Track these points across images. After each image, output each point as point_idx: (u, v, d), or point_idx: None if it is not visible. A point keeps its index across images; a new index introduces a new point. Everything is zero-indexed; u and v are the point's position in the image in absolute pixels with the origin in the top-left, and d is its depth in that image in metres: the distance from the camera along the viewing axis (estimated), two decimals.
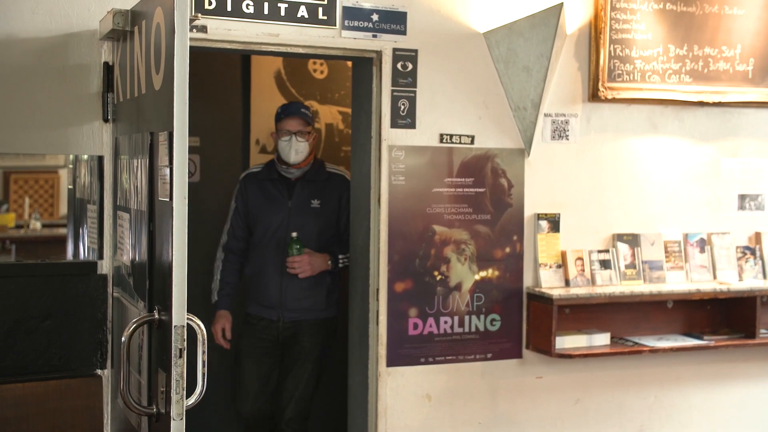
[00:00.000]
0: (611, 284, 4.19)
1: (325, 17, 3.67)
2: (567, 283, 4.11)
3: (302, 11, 3.63)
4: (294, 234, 4.28)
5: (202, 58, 4.08)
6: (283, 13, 3.60)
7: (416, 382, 3.93)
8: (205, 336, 2.54)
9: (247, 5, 3.54)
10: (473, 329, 4.00)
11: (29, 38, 3.33)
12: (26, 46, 3.33)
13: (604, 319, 4.21)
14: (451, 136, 3.94)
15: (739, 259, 4.46)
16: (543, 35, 3.75)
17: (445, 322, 3.96)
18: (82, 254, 3.61)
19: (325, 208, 4.37)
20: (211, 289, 4.47)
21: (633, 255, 4.27)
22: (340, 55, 3.80)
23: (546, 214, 4.11)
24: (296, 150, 4.33)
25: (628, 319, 4.28)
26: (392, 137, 3.83)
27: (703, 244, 4.41)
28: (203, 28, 3.48)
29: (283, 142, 4.33)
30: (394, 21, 3.80)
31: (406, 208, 3.86)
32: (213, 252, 4.50)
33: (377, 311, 3.86)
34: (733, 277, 4.41)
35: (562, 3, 3.76)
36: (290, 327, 4.36)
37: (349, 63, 4.43)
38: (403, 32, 3.82)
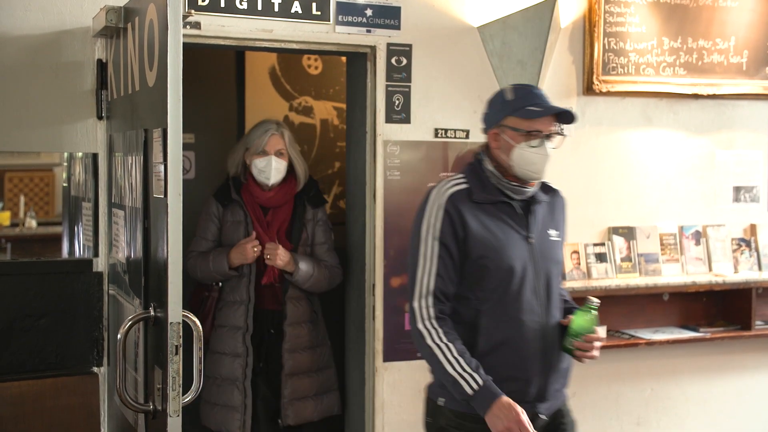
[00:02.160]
0: (607, 277, 4.19)
1: (319, 12, 3.66)
2: (563, 276, 4.10)
3: (296, 7, 3.62)
4: None
5: (196, 54, 4.08)
6: (276, 9, 3.59)
7: (413, 377, 3.93)
8: (201, 332, 2.54)
9: (241, 1, 3.54)
10: None
11: (22, 35, 3.32)
12: (19, 44, 3.32)
13: (600, 312, 4.18)
14: (446, 130, 3.94)
15: (734, 251, 4.47)
16: (537, 29, 3.74)
17: None
18: (78, 252, 3.60)
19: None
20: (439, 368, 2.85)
21: (629, 248, 4.27)
22: (334, 50, 3.80)
23: None
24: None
25: (624, 312, 4.29)
26: (387, 132, 3.83)
27: (698, 236, 4.42)
28: (197, 25, 3.47)
29: None
30: (388, 16, 3.80)
31: (401, 203, 3.86)
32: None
33: (373, 307, 3.86)
34: (728, 269, 4.42)
35: None
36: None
37: (344, 58, 4.43)
38: (397, 27, 3.82)
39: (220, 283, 3.79)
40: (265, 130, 3.76)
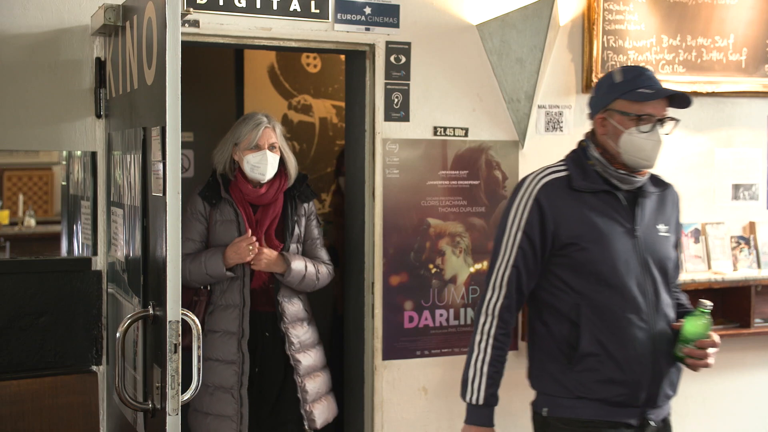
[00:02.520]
0: None
1: (318, 11, 3.66)
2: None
3: (295, 5, 3.62)
4: None
5: (195, 52, 4.07)
6: (275, 7, 3.59)
7: (412, 375, 3.93)
8: (200, 331, 2.54)
9: None
10: (469, 322, 4.00)
11: (20, 34, 3.32)
12: (17, 42, 3.31)
13: None
14: (445, 128, 3.93)
15: (733, 248, 4.47)
16: (536, 27, 3.74)
17: (441, 315, 3.96)
18: (77, 251, 3.60)
19: None
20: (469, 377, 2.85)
21: None
22: (333, 48, 3.79)
23: None
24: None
25: None
26: (386, 130, 3.83)
27: (697, 234, 4.42)
28: (195, 23, 3.47)
29: None
30: (387, 14, 3.79)
31: (400, 202, 3.86)
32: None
33: (372, 305, 3.86)
34: (727, 267, 4.42)
35: None
36: None
37: (343, 56, 4.43)
38: (396, 25, 3.82)
39: (209, 287, 3.59)
40: (256, 124, 3.55)
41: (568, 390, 2.67)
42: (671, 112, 2.72)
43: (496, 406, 2.71)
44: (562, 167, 2.76)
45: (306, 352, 3.65)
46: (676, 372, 2.74)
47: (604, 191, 2.68)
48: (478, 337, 2.72)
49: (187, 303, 3.54)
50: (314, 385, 3.64)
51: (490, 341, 2.69)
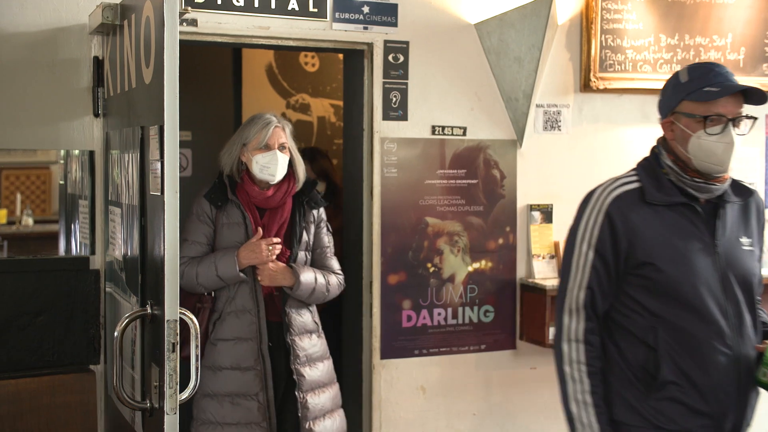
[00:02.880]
0: None
1: (316, 10, 3.66)
2: (559, 273, 4.11)
3: (293, 4, 3.62)
4: None
5: (193, 51, 4.07)
6: (273, 6, 3.59)
7: (410, 374, 3.93)
8: (198, 330, 2.54)
9: None
10: (467, 321, 4.00)
11: (18, 33, 3.31)
12: (15, 41, 3.31)
13: None
14: (443, 127, 3.93)
15: None
16: (534, 26, 3.74)
17: (439, 314, 3.96)
18: (75, 250, 3.60)
19: None
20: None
21: None
22: (331, 47, 3.79)
23: (539, 205, 4.11)
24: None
25: None
26: (384, 129, 3.83)
27: None
28: (193, 22, 3.47)
29: None
30: (385, 13, 3.79)
31: (398, 201, 3.86)
32: None
33: (371, 304, 3.86)
34: None
35: None
36: None
37: (341, 55, 4.43)
38: (394, 24, 3.81)
39: (213, 293, 3.39)
40: (266, 123, 3.39)
41: (645, 420, 2.42)
42: (748, 109, 2.50)
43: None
44: (634, 178, 2.52)
45: (312, 366, 3.45)
46: (756, 397, 2.49)
47: (681, 203, 2.43)
48: (567, 369, 2.44)
49: (190, 309, 3.31)
50: (318, 401, 3.44)
51: (584, 368, 2.43)
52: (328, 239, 3.56)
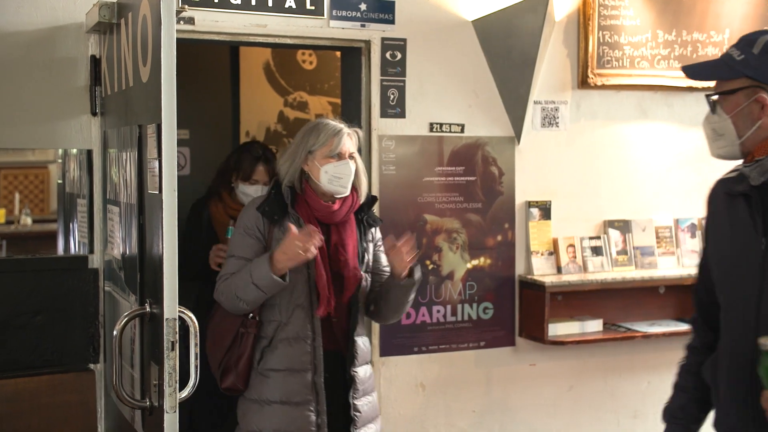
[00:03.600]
0: (603, 271, 4.19)
1: (313, 7, 3.66)
2: (559, 270, 4.12)
3: (289, 1, 3.62)
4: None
5: (190, 49, 4.07)
6: (270, 4, 3.58)
7: (410, 371, 3.93)
8: (197, 328, 2.54)
9: None
10: (466, 318, 4.01)
11: (15, 32, 3.31)
12: (12, 40, 3.30)
13: (596, 305, 4.22)
14: (441, 125, 3.93)
15: None
16: (531, 22, 3.74)
17: (438, 311, 3.96)
18: (73, 249, 3.60)
19: None
20: None
21: (624, 241, 4.27)
22: (328, 45, 3.79)
23: (537, 202, 4.11)
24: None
25: (620, 305, 4.29)
26: (382, 127, 3.82)
27: (694, 229, 4.42)
28: (190, 20, 3.46)
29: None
30: (382, 10, 3.79)
31: (397, 198, 3.85)
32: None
33: None
34: None
35: None
36: None
37: (338, 53, 4.42)
38: (392, 21, 3.81)
39: (257, 317, 3.03)
40: (337, 130, 3.07)
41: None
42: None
43: (682, 421, 2.45)
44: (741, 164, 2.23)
45: (366, 398, 3.15)
46: None
47: (740, 193, 2.19)
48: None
49: (232, 334, 3.04)
50: None
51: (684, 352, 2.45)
52: (384, 260, 3.23)
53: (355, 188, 3.12)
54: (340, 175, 3.04)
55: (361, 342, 3.13)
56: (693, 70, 2.38)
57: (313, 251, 2.91)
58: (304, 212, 3.07)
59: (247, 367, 3.02)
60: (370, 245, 3.20)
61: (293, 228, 2.92)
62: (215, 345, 3.07)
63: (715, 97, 2.30)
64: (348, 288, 3.07)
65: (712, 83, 4.30)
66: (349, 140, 3.09)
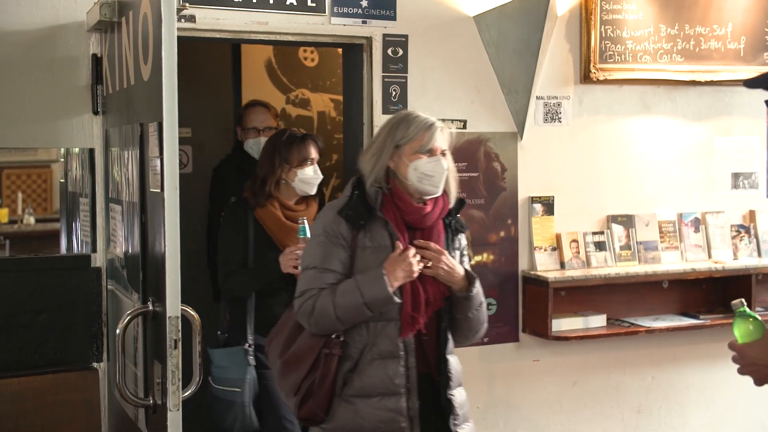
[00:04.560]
0: (606, 266, 4.19)
1: (314, 4, 3.65)
2: (562, 265, 4.11)
3: None
4: None
5: (191, 47, 4.06)
6: (271, 1, 3.58)
7: None
8: (200, 326, 2.53)
9: None
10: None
11: (15, 31, 3.31)
12: (12, 39, 3.30)
13: (599, 300, 4.21)
14: (443, 120, 3.88)
15: (733, 237, 4.46)
16: (533, 17, 3.73)
17: None
18: (76, 248, 3.60)
19: None
20: None
21: (628, 236, 4.27)
22: (329, 42, 3.79)
23: (540, 197, 4.11)
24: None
25: (624, 300, 4.28)
26: None
27: (697, 223, 4.41)
28: (191, 18, 3.46)
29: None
30: (384, 6, 3.78)
31: None
32: (204, 243, 4.43)
33: None
34: (727, 256, 4.41)
35: None
36: None
37: (340, 50, 4.42)
38: (393, 18, 3.80)
39: (342, 336, 2.69)
40: (429, 123, 2.77)
41: None
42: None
43: None
44: None
45: (467, 425, 2.82)
46: None
47: None
48: None
49: (312, 357, 2.70)
50: None
51: None
52: (469, 266, 2.92)
53: (445, 190, 2.81)
54: (431, 172, 2.73)
55: (454, 361, 2.80)
56: (754, 82, 2.41)
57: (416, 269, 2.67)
58: (392, 215, 2.73)
59: (330, 392, 2.68)
60: (457, 253, 2.86)
61: (400, 245, 2.67)
62: (290, 369, 2.72)
63: None
64: (434, 301, 2.74)
65: (715, 77, 4.25)
66: (441, 136, 2.78)
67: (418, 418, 2.67)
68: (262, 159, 3.52)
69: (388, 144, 2.75)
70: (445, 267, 2.71)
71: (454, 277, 2.72)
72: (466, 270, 2.77)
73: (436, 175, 2.72)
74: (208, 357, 3.49)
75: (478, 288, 2.77)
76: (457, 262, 2.77)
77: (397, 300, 2.62)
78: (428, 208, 2.76)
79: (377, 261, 2.67)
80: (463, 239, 2.90)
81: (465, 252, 2.91)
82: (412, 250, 2.66)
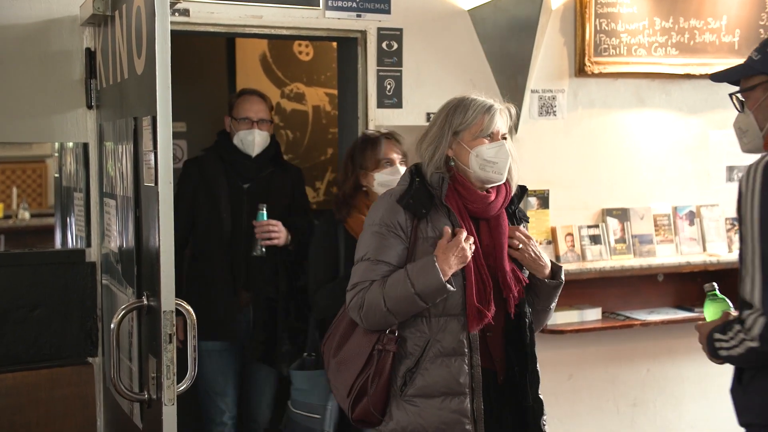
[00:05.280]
0: (602, 259, 4.19)
1: None
2: (557, 259, 4.11)
3: None
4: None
5: (186, 41, 4.05)
6: None
7: None
8: (195, 320, 2.53)
9: None
10: None
11: (9, 25, 3.29)
12: (6, 34, 3.29)
13: (595, 294, 4.22)
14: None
15: (728, 230, 4.47)
16: (528, 11, 3.73)
17: None
18: (71, 242, 3.59)
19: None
20: None
21: (623, 229, 4.27)
22: (324, 35, 3.78)
23: (535, 191, 4.11)
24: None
25: (619, 293, 4.29)
26: (379, 117, 3.81)
27: (692, 216, 4.42)
28: (185, 12, 3.45)
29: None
30: (378, 0, 3.77)
31: None
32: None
33: None
34: (722, 249, 4.42)
35: None
36: None
37: (335, 44, 4.41)
38: (387, 11, 3.80)
39: (396, 331, 2.54)
40: (487, 106, 2.60)
41: None
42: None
43: None
44: None
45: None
46: None
47: None
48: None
49: (366, 353, 2.56)
50: None
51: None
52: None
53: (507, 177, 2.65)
54: (494, 159, 2.57)
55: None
56: (719, 75, 2.49)
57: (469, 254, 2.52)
58: (455, 205, 2.58)
59: (385, 391, 2.53)
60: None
61: (448, 230, 2.52)
62: (343, 368, 2.60)
63: (741, 97, 2.44)
64: (511, 296, 2.58)
65: (710, 70, 4.28)
66: (502, 119, 2.61)
67: (482, 421, 2.52)
68: (341, 167, 3.40)
69: (446, 130, 2.61)
70: (532, 254, 2.62)
71: (539, 265, 2.64)
72: (551, 261, 2.69)
73: (500, 161, 2.58)
74: (289, 378, 3.36)
75: (562, 274, 2.68)
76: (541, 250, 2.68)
77: (451, 288, 2.46)
78: (492, 197, 2.62)
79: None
80: (526, 230, 2.75)
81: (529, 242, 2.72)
82: (464, 233, 2.50)
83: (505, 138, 2.62)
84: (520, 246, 2.62)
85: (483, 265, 2.55)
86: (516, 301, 2.59)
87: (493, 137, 2.60)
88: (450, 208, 2.56)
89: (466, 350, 2.51)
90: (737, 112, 2.48)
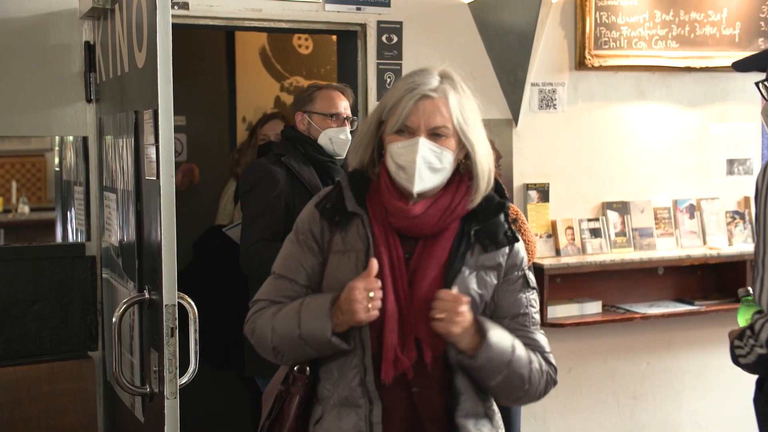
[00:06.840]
0: (602, 252, 4.19)
1: None
2: (558, 252, 4.11)
3: None
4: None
5: (185, 35, 4.04)
6: None
7: None
8: (197, 314, 2.53)
9: None
10: None
11: (7, 18, 3.28)
12: (5, 27, 3.28)
13: (595, 287, 4.22)
14: None
15: (728, 224, 4.47)
16: (528, 4, 3.72)
17: None
18: (71, 237, 3.59)
19: None
20: None
21: (623, 223, 4.27)
22: (324, 29, 3.77)
23: (535, 184, 4.10)
24: None
25: (619, 286, 4.29)
26: None
27: (692, 209, 4.42)
28: (185, 5, 3.44)
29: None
30: None
31: None
32: (200, 231, 4.39)
33: None
34: (722, 242, 4.42)
35: None
36: None
37: (334, 37, 4.40)
38: (387, 4, 3.79)
39: (307, 369, 2.00)
40: (412, 87, 2.02)
41: None
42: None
43: None
44: None
45: None
46: None
47: None
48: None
49: (274, 395, 2.06)
50: None
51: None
52: (527, 298, 2.05)
53: (470, 177, 2.03)
54: (403, 162, 1.92)
55: (474, 426, 1.96)
56: (742, 64, 2.41)
57: (375, 313, 1.86)
58: (380, 213, 1.97)
59: None
60: (491, 277, 1.99)
61: (374, 265, 1.86)
62: (264, 402, 2.12)
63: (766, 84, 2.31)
64: (429, 344, 1.91)
65: (710, 63, 4.27)
66: (434, 106, 1.95)
67: None
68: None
69: (373, 117, 2.01)
70: (452, 328, 1.86)
71: (455, 334, 1.87)
72: (476, 319, 1.90)
73: (408, 167, 1.90)
74: None
75: (492, 346, 1.88)
76: (490, 292, 1.97)
77: (343, 346, 1.88)
78: (417, 208, 1.93)
79: (343, 272, 1.93)
80: (516, 255, 2.01)
81: (518, 274, 2.01)
82: (377, 283, 1.84)
83: (438, 134, 1.93)
84: (443, 315, 1.85)
85: (403, 297, 1.90)
86: (435, 352, 1.91)
87: (408, 131, 1.93)
88: (365, 213, 1.95)
89: (362, 400, 1.91)
90: (761, 101, 2.41)
